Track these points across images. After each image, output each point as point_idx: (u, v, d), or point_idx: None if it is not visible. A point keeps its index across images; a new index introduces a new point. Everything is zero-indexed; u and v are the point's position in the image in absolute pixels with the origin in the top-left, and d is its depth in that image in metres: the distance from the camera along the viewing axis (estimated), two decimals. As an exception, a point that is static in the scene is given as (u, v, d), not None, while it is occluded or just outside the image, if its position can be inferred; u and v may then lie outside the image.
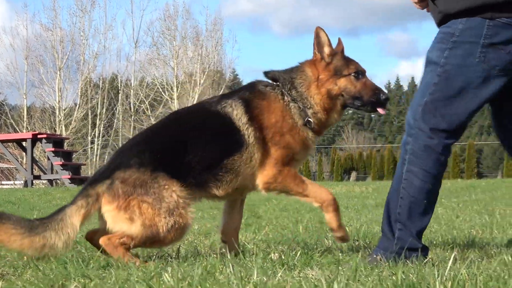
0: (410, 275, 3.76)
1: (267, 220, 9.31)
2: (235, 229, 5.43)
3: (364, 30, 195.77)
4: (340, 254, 5.05)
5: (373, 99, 5.09)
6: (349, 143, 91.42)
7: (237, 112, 5.01)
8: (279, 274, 3.91)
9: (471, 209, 11.73)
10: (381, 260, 4.47)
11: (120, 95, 54.57)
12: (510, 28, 4.35)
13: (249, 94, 5.13)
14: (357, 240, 6.33)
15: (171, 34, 54.27)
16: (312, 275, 3.95)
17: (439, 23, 4.62)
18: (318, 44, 5.16)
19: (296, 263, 4.55)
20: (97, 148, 53.38)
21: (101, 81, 54.13)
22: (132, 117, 53.40)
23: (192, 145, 4.93)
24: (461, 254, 4.98)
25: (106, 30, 53.82)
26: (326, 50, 5.16)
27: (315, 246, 5.70)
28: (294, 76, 5.19)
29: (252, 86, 5.23)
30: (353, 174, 61.36)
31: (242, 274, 3.87)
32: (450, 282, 3.44)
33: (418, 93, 4.62)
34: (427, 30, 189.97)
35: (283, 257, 4.78)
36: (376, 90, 5.11)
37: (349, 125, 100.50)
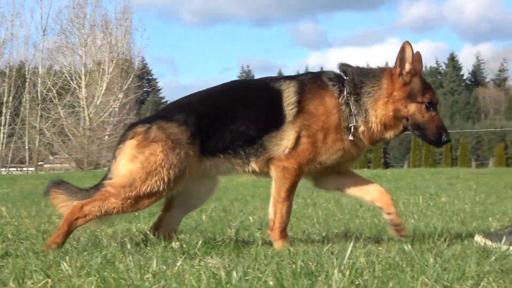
0: (310, 263, 3.77)
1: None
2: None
3: (275, 20, 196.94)
4: (242, 243, 5.04)
5: (433, 137, 4.99)
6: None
7: (288, 92, 4.96)
8: (178, 263, 3.86)
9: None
10: None
11: (27, 83, 53.33)
12: None
13: (309, 79, 5.06)
14: (260, 229, 6.34)
15: (79, 22, 53.36)
16: (212, 263, 3.92)
17: None
18: (401, 59, 5.01)
19: (197, 252, 4.51)
20: (3, 137, 52.09)
21: (8, 69, 52.82)
22: (39, 105, 52.21)
23: (239, 118, 4.92)
24: (362, 243, 5.03)
25: (14, 17, 52.58)
26: (407, 67, 5.00)
27: (217, 235, 5.67)
28: (366, 82, 5.06)
29: (318, 74, 5.14)
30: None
31: (141, 263, 3.82)
32: (348, 270, 3.45)
33: None
34: (337, 21, 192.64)
35: (184, 246, 4.73)
36: (441, 129, 4.98)
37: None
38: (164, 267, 3.76)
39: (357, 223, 7.27)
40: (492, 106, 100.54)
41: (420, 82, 4.98)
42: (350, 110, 4.95)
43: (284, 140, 4.89)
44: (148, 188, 4.74)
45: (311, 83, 5.01)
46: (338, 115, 4.94)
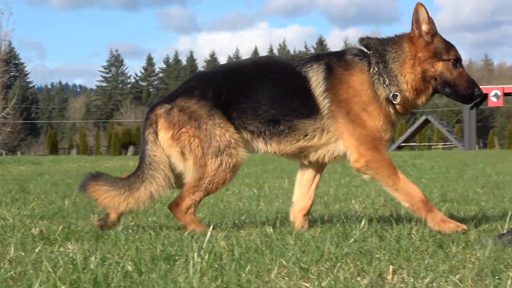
0: (170, 247, 3.77)
1: (35, 195, 9.00)
2: (302, 208, 5.32)
3: (143, 4, 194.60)
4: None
5: (466, 92, 4.94)
6: (127, 117, 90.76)
7: (317, 78, 4.91)
8: (37, 249, 3.78)
9: (242, 182, 12.03)
10: None
11: None
12: None
13: (335, 62, 4.97)
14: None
15: None
16: (71, 249, 3.85)
17: None
18: (416, 21, 4.94)
19: (57, 237, 4.42)
20: None
21: None
22: None
23: (264, 95, 4.90)
24: (224, 226, 5.06)
25: None
26: (425, 28, 4.93)
27: (80, 221, 5.58)
28: (389, 49, 4.99)
29: (342, 53, 5.06)
30: (131, 149, 61.03)
31: (-1, 249, 3.72)
32: (207, 254, 3.47)
33: None
34: (206, 5, 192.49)
35: (44, 231, 4.62)
36: (472, 83, 4.95)
37: (127, 99, 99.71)
38: (23, 254, 3.67)
39: (221, 206, 7.31)
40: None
41: (442, 40, 4.96)
42: (384, 80, 4.92)
43: (328, 133, 4.92)
44: (216, 166, 4.85)
45: (337, 66, 4.97)
46: (373, 88, 4.91)
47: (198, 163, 4.81)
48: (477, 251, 3.84)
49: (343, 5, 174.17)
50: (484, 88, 35.95)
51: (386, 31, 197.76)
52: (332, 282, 3.13)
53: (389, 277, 3.28)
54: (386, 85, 4.88)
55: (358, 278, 3.25)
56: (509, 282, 3.01)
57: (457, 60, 4.91)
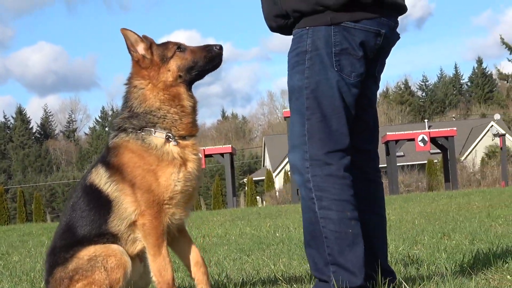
0: None
1: None
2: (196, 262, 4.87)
3: None
4: None
5: (209, 58, 4.72)
6: None
7: (99, 176, 4.69)
8: None
9: None
10: None
11: None
12: (354, 33, 4.26)
13: (104, 155, 4.75)
14: None
15: None
16: None
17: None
18: (131, 45, 4.71)
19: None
20: None
21: None
22: None
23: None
24: None
25: None
26: (141, 47, 4.71)
27: None
28: (129, 104, 4.71)
29: (107, 147, 4.77)
30: None
31: None
32: None
33: (294, 126, 4.33)
34: None
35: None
36: (206, 47, 4.75)
37: None
38: None
39: None
40: (63, 157, 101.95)
41: (156, 46, 4.75)
42: (150, 131, 4.64)
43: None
44: None
45: (108, 156, 4.72)
46: (144, 146, 4.64)
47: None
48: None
49: (41, 73, 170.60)
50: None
51: (85, 96, 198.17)
52: None
53: None
54: (156, 132, 4.65)
55: None
56: None
57: (180, 46, 4.73)
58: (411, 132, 38.73)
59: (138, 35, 4.73)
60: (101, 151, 5.04)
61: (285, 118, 36.17)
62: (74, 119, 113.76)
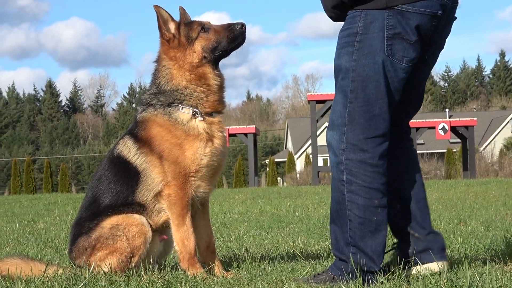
0: None
1: None
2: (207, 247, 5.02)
3: None
4: None
5: (232, 37, 4.79)
6: None
7: (127, 148, 4.85)
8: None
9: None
10: (334, 279, 4.20)
11: None
12: (409, 16, 4.17)
13: (133, 127, 4.91)
14: None
15: None
16: None
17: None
18: (164, 23, 4.84)
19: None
20: None
21: None
22: None
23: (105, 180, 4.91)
24: None
25: None
26: (171, 26, 4.84)
27: None
28: (157, 82, 4.86)
29: (135, 120, 4.95)
30: None
31: None
32: None
33: (337, 105, 4.29)
34: None
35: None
36: (228, 27, 4.82)
37: None
38: None
39: None
40: (90, 131, 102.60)
41: (184, 25, 4.86)
42: (177, 106, 4.79)
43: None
44: None
45: (136, 129, 4.89)
46: (170, 120, 4.79)
47: None
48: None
49: (72, 49, 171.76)
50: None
51: (114, 73, 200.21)
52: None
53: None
54: (183, 108, 4.79)
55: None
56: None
57: (203, 27, 4.82)
58: (432, 120, 38.37)
59: (169, 14, 4.84)
60: (128, 126, 5.16)
61: (309, 101, 35.96)
62: (102, 95, 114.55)
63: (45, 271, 4.63)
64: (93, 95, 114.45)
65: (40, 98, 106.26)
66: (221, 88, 4.90)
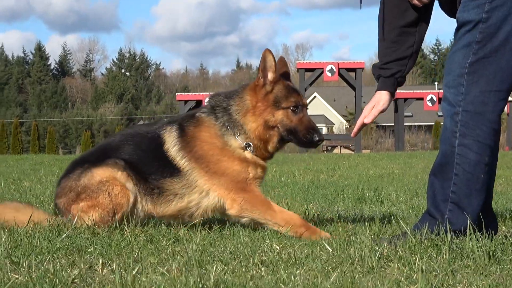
0: None
1: None
2: None
3: None
4: None
5: (305, 138, 4.80)
6: None
7: (171, 139, 4.90)
8: None
9: None
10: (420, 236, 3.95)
11: None
12: None
13: (186, 121, 4.98)
14: None
15: None
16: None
17: None
18: (263, 69, 4.84)
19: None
20: None
21: None
22: None
23: (133, 157, 4.95)
24: None
25: None
26: (270, 76, 4.83)
27: None
28: (232, 103, 4.92)
29: (193, 113, 5.06)
30: None
31: None
32: None
33: (456, 56, 4.07)
34: None
35: None
36: (311, 129, 4.81)
37: None
38: None
39: None
40: (79, 95, 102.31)
41: (283, 88, 4.86)
42: (234, 132, 4.87)
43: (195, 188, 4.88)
44: None
45: (187, 125, 4.95)
46: (222, 139, 4.87)
47: None
48: (186, 245, 4.07)
49: (63, 12, 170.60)
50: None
51: (104, 38, 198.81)
52: (43, 273, 3.20)
53: (99, 268, 3.41)
54: (237, 136, 4.87)
55: (69, 270, 3.33)
56: (213, 272, 3.23)
57: (297, 107, 4.84)
58: (421, 91, 38.27)
59: (275, 64, 4.84)
60: (179, 115, 5.45)
61: (298, 69, 35.90)
62: (91, 59, 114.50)
63: (28, 222, 4.67)
64: (82, 59, 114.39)
65: (29, 61, 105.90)
66: (273, 154, 4.99)
